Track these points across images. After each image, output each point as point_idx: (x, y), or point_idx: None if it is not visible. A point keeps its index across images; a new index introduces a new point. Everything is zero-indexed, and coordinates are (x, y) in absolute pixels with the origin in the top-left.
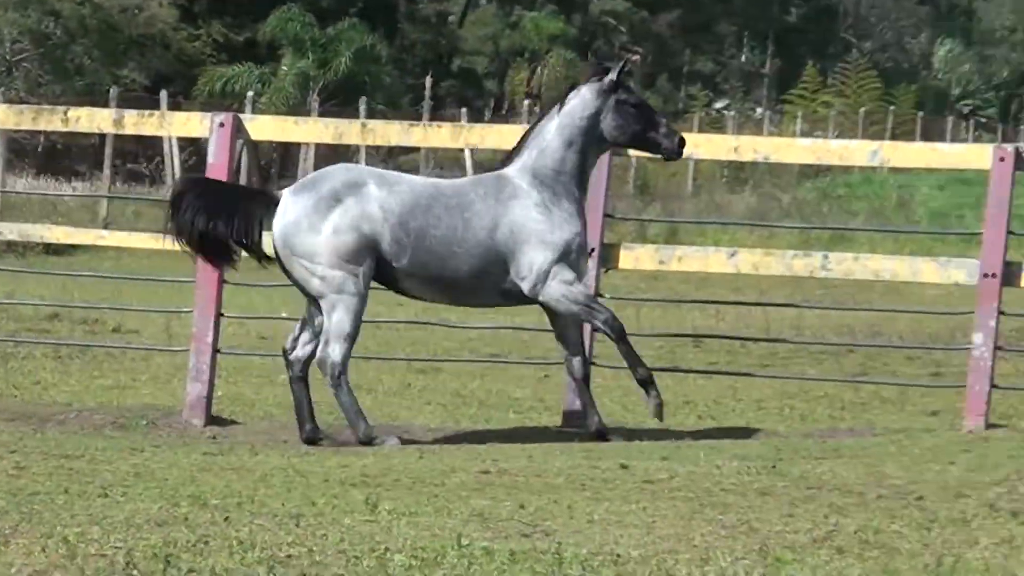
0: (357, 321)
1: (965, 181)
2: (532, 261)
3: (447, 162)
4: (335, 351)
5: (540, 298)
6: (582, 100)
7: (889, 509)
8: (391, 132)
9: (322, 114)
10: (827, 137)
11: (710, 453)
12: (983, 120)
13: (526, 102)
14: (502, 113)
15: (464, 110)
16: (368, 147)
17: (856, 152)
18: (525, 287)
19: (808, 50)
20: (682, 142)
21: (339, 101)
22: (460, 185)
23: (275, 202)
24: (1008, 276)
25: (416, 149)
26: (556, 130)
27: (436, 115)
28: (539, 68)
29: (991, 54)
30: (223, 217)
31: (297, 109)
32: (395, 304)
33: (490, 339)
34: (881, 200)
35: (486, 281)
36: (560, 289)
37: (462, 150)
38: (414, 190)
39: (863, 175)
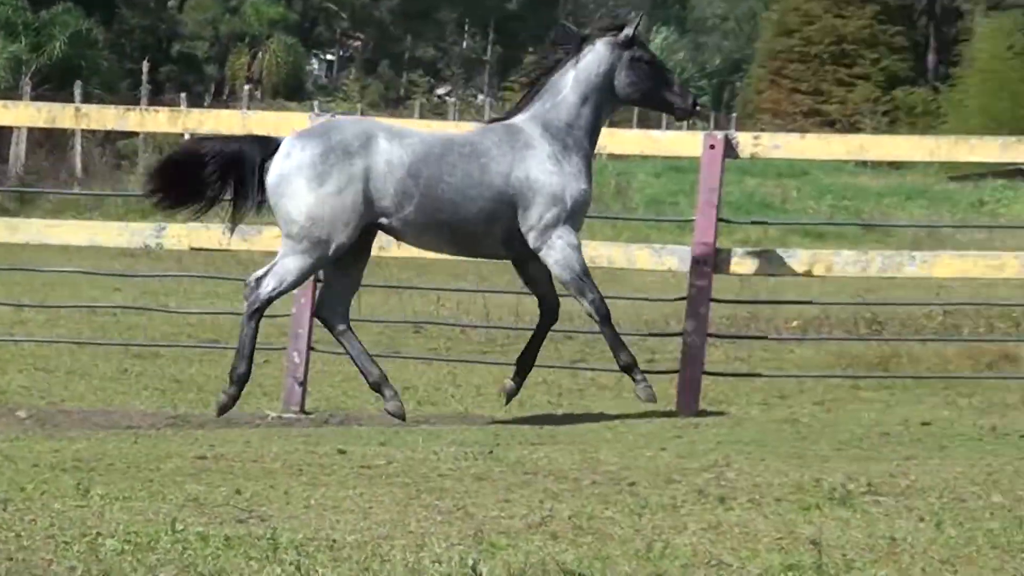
0: (302, 279)
1: (680, 168)
2: (542, 214)
3: (168, 147)
4: (268, 287)
5: (541, 253)
6: (597, 55)
7: (603, 495)
8: (107, 117)
9: (35, 98)
10: None
11: (428, 439)
12: (697, 108)
13: (247, 87)
14: (222, 98)
15: (184, 95)
16: (84, 132)
17: None
18: (530, 238)
19: (529, 37)
20: (695, 101)
21: (53, 86)
22: (471, 134)
23: (276, 145)
24: (719, 263)
25: (135, 134)
26: (572, 84)
27: (155, 100)
28: (260, 53)
29: (704, 42)
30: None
31: (9, 93)
32: (112, 289)
33: (209, 324)
34: (600, 187)
35: (495, 228)
36: (564, 251)
37: (181, 135)
38: (425, 140)
39: None
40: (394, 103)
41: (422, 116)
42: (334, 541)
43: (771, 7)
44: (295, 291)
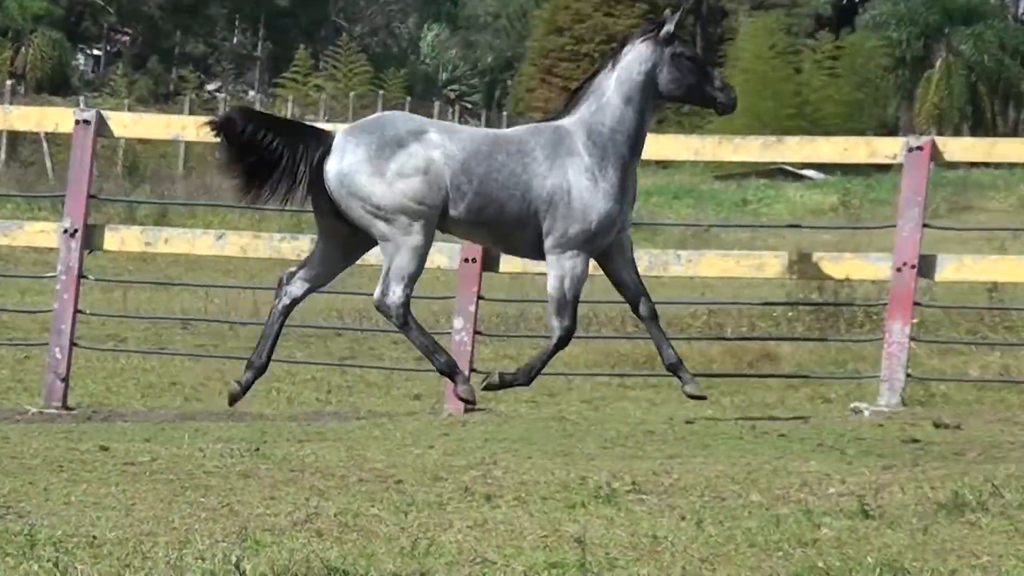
0: (421, 263)
1: None
2: (567, 228)
3: None
4: (396, 293)
5: (548, 259)
6: (638, 54)
7: (369, 492)
8: None
9: None
10: (318, 121)
11: (194, 435)
12: (469, 105)
13: (9, 82)
14: None
15: None
16: None
17: None
18: (547, 243)
19: (300, 34)
20: (735, 96)
21: None
22: (520, 132)
23: (330, 141)
24: (488, 261)
25: None
26: (615, 85)
27: None
28: (23, 48)
29: (476, 40)
30: (288, 143)
31: None
32: None
33: None
34: None
35: (529, 230)
36: (570, 273)
37: None
38: (474, 137)
39: None
40: (163, 99)
41: (191, 112)
42: (94, 538)
43: (542, 5)
44: (57, 286)
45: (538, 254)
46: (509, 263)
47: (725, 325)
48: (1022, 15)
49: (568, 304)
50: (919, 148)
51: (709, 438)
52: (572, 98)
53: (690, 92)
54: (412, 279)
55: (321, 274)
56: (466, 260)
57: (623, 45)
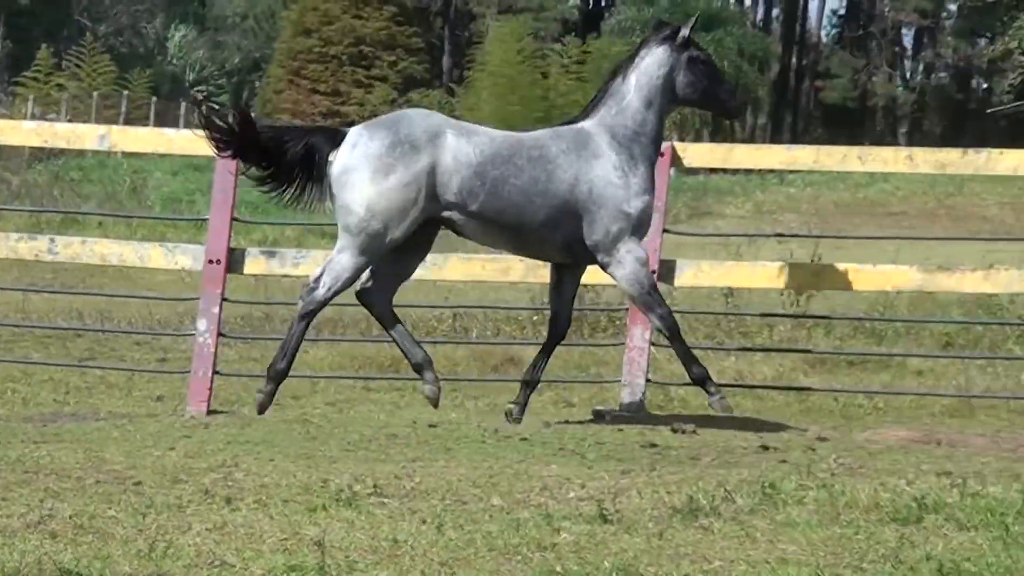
0: (357, 275)
1: (198, 167)
2: (608, 228)
3: None
4: (325, 287)
5: (609, 268)
6: (656, 58)
7: (107, 494)
8: None
9: None
10: (59, 120)
11: None
12: (216, 106)
13: None
14: None
15: None
16: None
17: (85, 136)
18: (599, 254)
19: (41, 33)
20: (741, 102)
21: None
22: (541, 136)
23: (342, 136)
24: (233, 263)
25: None
26: (635, 89)
27: None
28: None
29: (223, 40)
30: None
31: None
32: None
33: None
34: (115, 184)
35: (557, 234)
36: (634, 267)
37: None
38: (494, 140)
39: (97, 159)
40: None
41: None
42: None
43: (290, 7)
44: None
45: (569, 256)
46: (255, 265)
47: (470, 329)
48: (760, 21)
49: (650, 294)
50: (660, 153)
51: (452, 442)
52: (591, 104)
53: (704, 96)
54: (345, 284)
55: (387, 278)
56: (211, 262)
57: (639, 49)
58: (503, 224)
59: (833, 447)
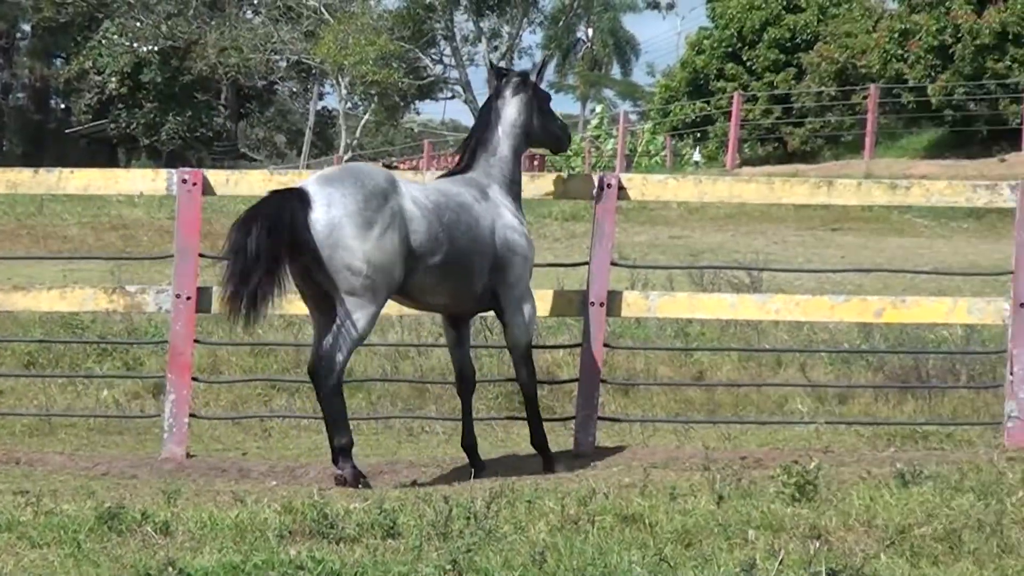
0: (370, 328)
1: None
2: (520, 275)
3: None
4: (343, 353)
5: (508, 316)
6: (515, 107)
7: None
8: None
9: None
10: None
11: None
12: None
13: None
14: None
15: None
16: None
17: None
18: (507, 301)
19: None
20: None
21: None
22: (451, 185)
23: (303, 194)
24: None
25: None
26: (504, 139)
27: None
28: None
29: None
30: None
31: None
32: None
33: None
34: None
35: (480, 283)
36: (529, 315)
37: None
38: (428, 189)
39: None
40: None
41: None
42: None
43: None
44: None
45: (478, 306)
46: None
47: None
48: None
49: (529, 347)
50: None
51: None
52: (464, 155)
53: (550, 136)
54: (358, 343)
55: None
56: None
57: (496, 99)
58: (457, 274)
59: None
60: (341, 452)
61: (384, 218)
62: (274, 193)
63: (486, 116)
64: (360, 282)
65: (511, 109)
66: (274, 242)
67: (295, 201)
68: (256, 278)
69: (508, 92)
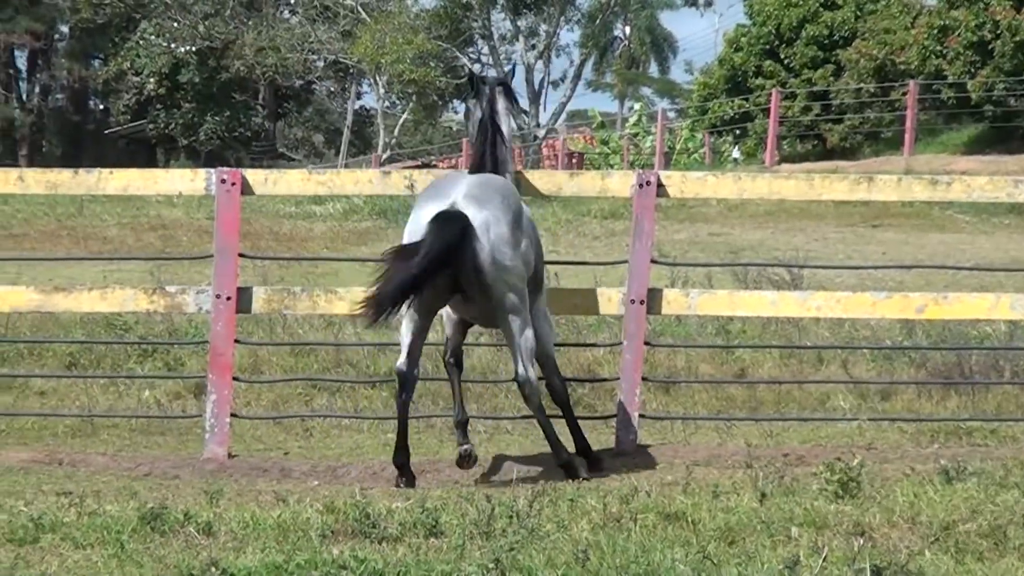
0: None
1: None
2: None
3: None
4: (534, 368)
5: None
6: (507, 119)
7: None
8: None
9: None
10: None
11: None
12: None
13: None
14: None
15: None
16: None
17: None
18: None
19: None
20: None
21: None
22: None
23: (465, 220)
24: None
25: None
26: (508, 152)
27: None
28: None
29: None
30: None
31: None
32: None
33: None
34: None
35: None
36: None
37: None
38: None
39: None
40: None
41: None
42: None
43: None
44: None
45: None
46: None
47: None
48: None
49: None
50: None
51: None
52: (483, 155)
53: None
54: (537, 349)
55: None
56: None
57: (492, 105)
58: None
59: None
60: (583, 454)
61: (523, 233)
62: (442, 222)
63: (492, 134)
64: (516, 300)
65: (506, 121)
66: (441, 271)
67: (464, 231)
68: (411, 299)
69: (500, 106)
